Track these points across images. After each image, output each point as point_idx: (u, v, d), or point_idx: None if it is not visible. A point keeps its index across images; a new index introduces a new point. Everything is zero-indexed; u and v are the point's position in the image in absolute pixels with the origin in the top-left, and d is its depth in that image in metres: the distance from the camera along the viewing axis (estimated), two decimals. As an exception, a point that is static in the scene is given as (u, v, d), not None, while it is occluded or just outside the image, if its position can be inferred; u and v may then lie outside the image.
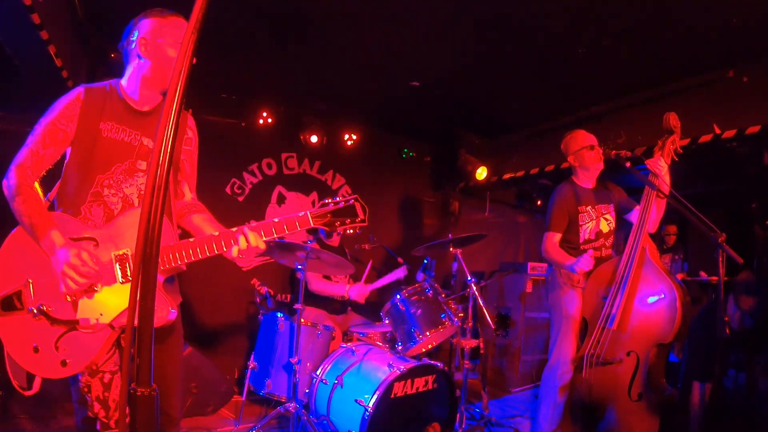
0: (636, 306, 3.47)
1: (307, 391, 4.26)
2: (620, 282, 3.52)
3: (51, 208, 2.34)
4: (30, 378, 2.20)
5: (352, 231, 2.42)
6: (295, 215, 2.34)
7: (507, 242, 8.82)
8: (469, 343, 4.61)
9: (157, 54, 2.33)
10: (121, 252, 2.17)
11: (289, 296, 6.23)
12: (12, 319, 2.10)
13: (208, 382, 4.82)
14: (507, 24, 4.21)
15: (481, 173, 7.08)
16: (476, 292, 4.45)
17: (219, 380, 4.94)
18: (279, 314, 4.59)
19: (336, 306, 5.35)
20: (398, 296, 4.27)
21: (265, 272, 6.24)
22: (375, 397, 3.57)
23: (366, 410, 3.54)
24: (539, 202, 8.81)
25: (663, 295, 3.38)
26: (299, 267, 4.15)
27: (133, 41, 2.38)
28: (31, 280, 2.13)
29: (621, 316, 3.46)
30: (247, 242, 2.24)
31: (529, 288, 6.64)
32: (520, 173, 6.86)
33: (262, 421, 4.20)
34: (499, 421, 5.08)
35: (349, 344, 4.32)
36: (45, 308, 2.10)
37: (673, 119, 3.65)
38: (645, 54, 4.50)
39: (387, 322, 4.39)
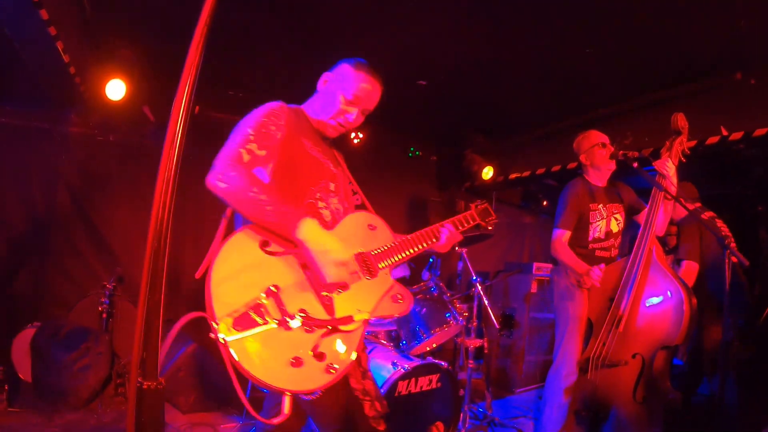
0: (642, 308, 3.45)
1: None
2: (627, 283, 3.51)
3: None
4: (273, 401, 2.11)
5: (491, 228, 3.03)
6: (464, 213, 2.90)
7: (512, 242, 8.81)
8: (473, 343, 4.62)
9: (327, 97, 2.51)
10: (357, 251, 2.25)
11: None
12: (253, 338, 1.84)
13: (212, 378, 4.83)
14: (515, 24, 4.20)
15: (487, 173, 7.08)
16: (481, 292, 4.45)
17: (223, 376, 4.94)
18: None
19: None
20: (403, 295, 4.27)
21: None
22: (379, 395, 3.57)
23: (370, 408, 3.54)
24: (545, 203, 8.80)
25: (670, 297, 3.36)
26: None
27: (323, 76, 2.58)
28: (276, 287, 1.95)
29: (627, 318, 3.45)
30: (450, 234, 2.66)
31: (534, 288, 6.63)
32: (526, 173, 6.85)
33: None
34: (503, 422, 5.07)
35: (353, 342, 4.31)
36: (305, 313, 1.97)
37: (681, 120, 3.63)
38: (652, 56, 4.49)
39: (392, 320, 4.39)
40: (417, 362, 3.83)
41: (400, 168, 7.55)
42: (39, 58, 4.21)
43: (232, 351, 1.80)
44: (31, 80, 4.69)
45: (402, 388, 3.72)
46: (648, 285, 3.48)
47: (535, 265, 6.70)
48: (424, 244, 2.49)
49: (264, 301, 1.90)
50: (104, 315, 4.90)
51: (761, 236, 7.79)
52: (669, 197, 3.51)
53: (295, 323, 1.93)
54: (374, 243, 2.33)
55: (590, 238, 4.00)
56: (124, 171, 5.74)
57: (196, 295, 5.35)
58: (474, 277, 4.49)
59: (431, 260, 4.87)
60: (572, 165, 5.99)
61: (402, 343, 4.25)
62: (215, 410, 4.88)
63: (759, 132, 4.46)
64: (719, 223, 4.49)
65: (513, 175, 7.04)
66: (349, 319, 2.05)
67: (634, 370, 3.41)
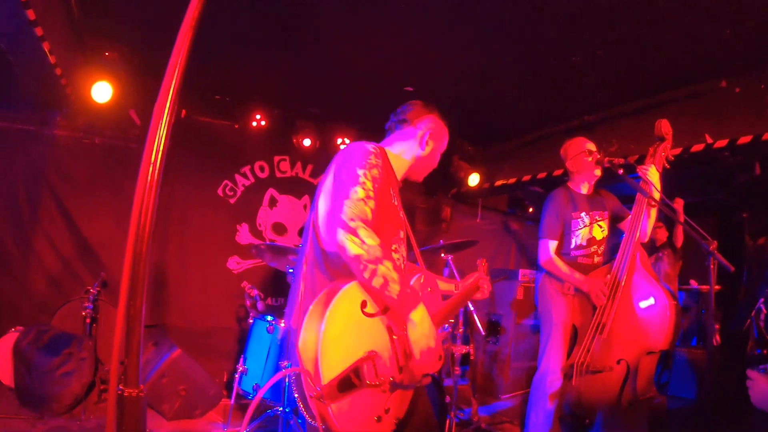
0: (627, 314, 3.47)
1: (296, 395, 4.24)
2: (611, 290, 3.52)
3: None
4: None
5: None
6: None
7: (498, 249, 8.82)
8: (459, 349, 4.61)
9: (430, 158, 2.63)
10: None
11: (279, 299, 6.21)
12: (351, 397, 1.91)
13: (196, 386, 4.80)
14: (501, 32, 4.22)
15: (474, 179, 7.10)
16: (467, 298, 4.44)
17: (208, 383, 4.92)
18: (269, 318, 4.57)
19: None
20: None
21: (256, 275, 6.23)
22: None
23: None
24: (531, 209, 8.84)
25: (654, 303, 3.38)
26: (291, 270, 4.14)
27: (417, 129, 2.62)
28: (374, 352, 2.01)
29: (611, 324, 3.47)
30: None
31: (520, 295, 6.64)
32: (511, 180, 6.88)
33: (251, 425, 4.18)
34: (489, 428, 5.07)
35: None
36: (392, 378, 2.05)
37: (665, 126, 3.65)
38: (638, 63, 4.52)
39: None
40: (403, 368, 3.81)
41: (386, 174, 7.53)
42: (25, 59, 4.18)
43: (333, 412, 1.86)
44: (16, 81, 4.65)
45: (388, 394, 3.71)
46: (632, 291, 3.50)
47: (521, 271, 6.72)
48: (458, 311, 2.66)
49: (364, 366, 1.96)
50: (88, 320, 4.85)
51: (746, 242, 7.87)
52: (653, 203, 3.53)
53: (384, 386, 2.02)
54: (430, 306, 2.30)
55: (572, 246, 4.02)
56: (110, 175, 5.70)
57: (179, 301, 5.31)
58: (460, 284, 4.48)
59: (418, 266, 4.87)
60: (558, 172, 6.02)
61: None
62: (199, 417, 4.84)
63: (743, 140, 4.50)
64: None
65: (499, 182, 7.06)
66: (414, 381, 2.19)
67: (619, 376, 3.42)
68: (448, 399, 4.16)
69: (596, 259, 4.04)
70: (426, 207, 7.97)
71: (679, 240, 7.12)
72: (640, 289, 3.47)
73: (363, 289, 2.05)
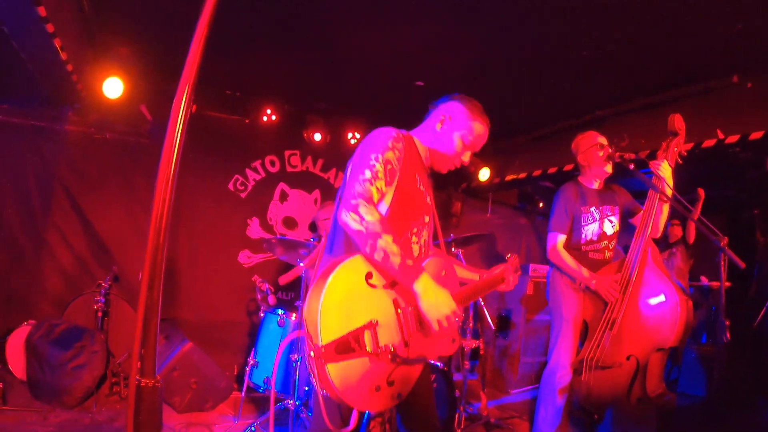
0: (637, 310, 3.46)
1: (306, 388, 4.27)
2: (622, 285, 3.51)
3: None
4: (347, 416, 2.22)
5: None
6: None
7: (508, 244, 8.81)
8: (469, 344, 4.62)
9: (446, 139, 2.59)
10: None
11: (290, 293, 6.23)
12: (349, 362, 2.01)
13: (207, 378, 4.83)
14: (511, 26, 4.21)
15: (484, 174, 7.09)
16: (477, 293, 4.44)
17: (219, 376, 4.94)
18: (280, 311, 4.59)
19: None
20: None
21: (267, 269, 6.25)
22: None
23: (365, 409, 3.54)
24: (541, 204, 8.81)
25: (664, 300, 3.37)
26: (301, 264, 4.15)
27: (438, 110, 2.67)
28: (376, 321, 2.09)
29: (622, 320, 3.46)
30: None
31: (530, 290, 6.63)
32: (522, 175, 6.86)
33: (261, 418, 4.20)
34: (498, 423, 5.07)
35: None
36: (393, 349, 2.11)
37: (678, 121, 3.62)
38: (649, 58, 4.49)
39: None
40: (413, 362, 3.83)
41: (396, 169, 7.53)
42: (36, 55, 4.19)
43: (329, 374, 1.94)
44: (28, 77, 4.67)
45: (397, 388, 3.72)
46: (643, 287, 3.49)
47: (531, 266, 6.71)
48: (477, 297, 2.72)
49: (364, 333, 2.05)
50: (99, 314, 4.89)
51: (757, 239, 7.82)
52: (665, 199, 3.51)
53: (384, 356, 2.08)
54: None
55: (582, 241, 4.00)
56: (121, 169, 5.73)
57: (190, 295, 5.34)
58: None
59: (427, 261, 4.87)
60: (569, 167, 6.00)
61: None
62: (210, 410, 4.87)
63: (755, 135, 4.46)
64: None
65: (509, 177, 7.04)
66: (421, 358, 2.27)
67: (629, 372, 3.42)
68: (457, 393, 4.16)
69: (607, 255, 4.02)
70: (437, 201, 7.94)
71: (692, 236, 7.09)
72: (651, 285, 3.46)
73: (368, 262, 2.14)
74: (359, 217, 2.11)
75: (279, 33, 4.59)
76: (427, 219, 2.58)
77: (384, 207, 2.32)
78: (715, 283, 7.21)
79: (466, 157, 2.63)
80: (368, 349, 2.04)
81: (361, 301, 2.10)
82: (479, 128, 2.61)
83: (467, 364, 4.59)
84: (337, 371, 1.96)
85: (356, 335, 2.01)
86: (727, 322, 6.13)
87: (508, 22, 4.14)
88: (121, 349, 5.10)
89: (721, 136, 4.67)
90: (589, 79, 5.02)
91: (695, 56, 4.43)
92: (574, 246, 4.01)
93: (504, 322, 6.75)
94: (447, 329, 2.22)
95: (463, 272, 2.87)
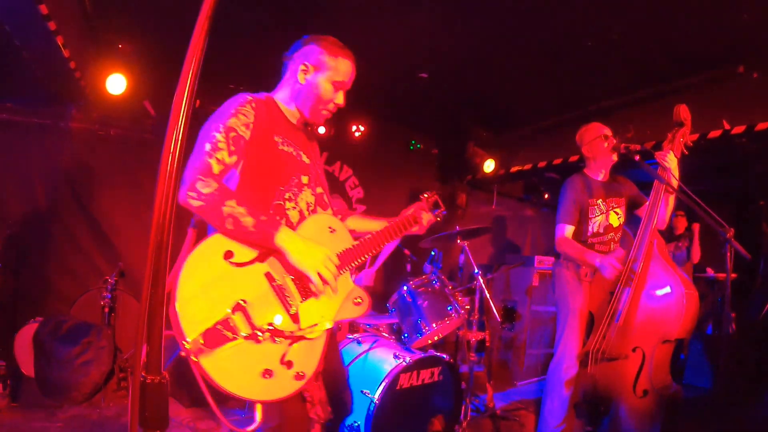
0: (643, 301, 3.45)
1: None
2: (627, 277, 3.50)
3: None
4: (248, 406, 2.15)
5: (440, 219, 3.00)
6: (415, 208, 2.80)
7: (513, 235, 8.81)
8: (475, 336, 4.62)
9: (313, 88, 2.42)
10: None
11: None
12: (224, 353, 1.87)
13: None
14: (516, 16, 4.19)
15: (489, 166, 7.08)
16: (483, 285, 4.44)
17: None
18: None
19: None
20: (405, 287, 4.26)
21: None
22: (381, 388, 3.57)
23: (372, 401, 3.55)
24: (546, 196, 8.80)
25: (670, 291, 3.36)
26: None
27: (295, 61, 2.46)
28: (244, 301, 1.95)
29: (627, 312, 3.45)
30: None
31: (535, 281, 6.63)
32: (527, 166, 6.85)
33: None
34: (504, 414, 5.08)
35: (355, 335, 4.32)
36: (273, 326, 1.98)
37: (683, 111, 3.59)
38: (655, 48, 4.47)
39: (393, 313, 4.39)
40: (419, 355, 3.83)
41: (401, 161, 7.55)
42: (39, 53, 4.20)
43: (205, 368, 1.83)
44: (31, 76, 4.68)
45: (404, 380, 3.73)
46: (649, 278, 3.47)
47: (537, 258, 6.70)
48: (381, 246, 2.46)
49: (233, 317, 1.91)
50: (106, 309, 4.90)
51: (763, 230, 7.80)
52: (670, 190, 3.50)
53: (264, 336, 1.95)
54: (335, 246, 2.30)
55: (589, 233, 4.00)
56: (125, 165, 5.74)
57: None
58: (476, 270, 4.48)
59: (433, 253, 4.87)
60: (574, 158, 5.99)
61: (404, 336, 4.25)
62: (218, 404, 4.87)
63: (761, 126, 4.45)
64: None
65: (515, 168, 7.04)
66: (314, 327, 2.11)
67: (635, 364, 3.41)
68: (463, 385, 4.16)
69: (613, 246, 4.02)
70: (441, 193, 7.94)
71: (696, 256, 7.12)
72: (657, 276, 3.45)
73: (227, 238, 2.02)
74: (197, 193, 1.98)
75: (281, 25, 4.58)
76: (305, 179, 2.42)
77: (235, 177, 2.21)
78: (721, 275, 7.20)
79: (340, 99, 2.48)
80: (243, 333, 1.91)
81: (224, 283, 1.95)
82: (344, 64, 2.45)
83: (473, 356, 4.59)
84: (213, 364, 1.84)
85: (225, 322, 1.88)
86: (733, 314, 6.12)
87: (512, 12, 4.12)
88: (128, 345, 5.13)
89: (727, 126, 4.65)
90: (594, 70, 5.00)
91: (701, 46, 4.41)
92: (581, 239, 4.01)
93: (509, 314, 6.75)
94: (338, 287, 2.14)
95: (367, 224, 2.74)
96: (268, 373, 1.93)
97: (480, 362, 6.17)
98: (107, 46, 4.86)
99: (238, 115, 2.20)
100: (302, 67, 2.41)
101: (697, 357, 6.41)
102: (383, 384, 3.59)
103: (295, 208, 2.33)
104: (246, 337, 1.91)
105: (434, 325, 4.12)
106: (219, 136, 2.11)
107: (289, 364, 1.99)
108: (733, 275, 3.09)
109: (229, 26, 4.41)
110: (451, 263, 7.48)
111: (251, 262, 2.04)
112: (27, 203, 5.38)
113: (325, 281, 2.09)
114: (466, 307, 4.31)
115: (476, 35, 4.55)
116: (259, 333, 1.94)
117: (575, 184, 4.06)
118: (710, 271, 7.40)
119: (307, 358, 2.07)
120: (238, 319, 1.92)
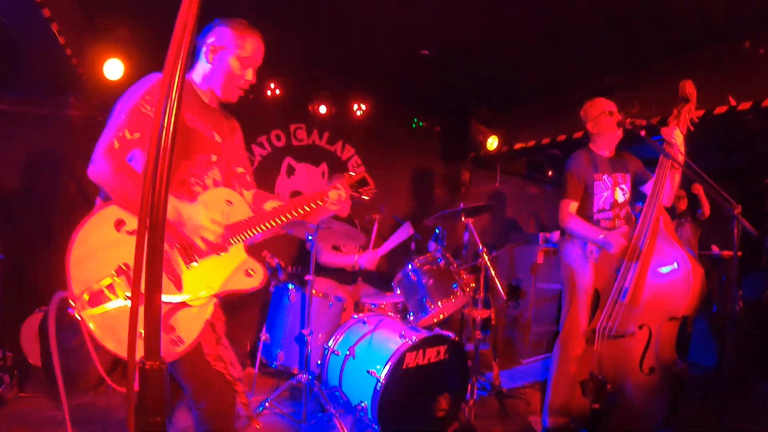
0: (649, 279, 3.43)
1: (319, 362, 4.29)
2: (633, 254, 3.48)
3: None
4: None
5: (367, 197, 2.84)
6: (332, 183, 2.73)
7: (518, 213, 8.78)
8: (480, 314, 4.61)
9: (221, 66, 2.49)
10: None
11: (299, 267, 6.23)
12: (107, 313, 2.04)
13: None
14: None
15: (492, 143, 7.04)
16: (488, 262, 4.43)
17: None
18: (290, 285, 4.60)
19: (346, 277, 5.35)
20: (410, 266, 4.25)
21: (276, 244, 6.23)
22: (387, 367, 3.58)
23: (378, 381, 3.56)
24: (550, 173, 8.76)
25: (677, 268, 3.33)
26: (310, 237, 4.14)
27: (205, 43, 2.50)
28: (126, 265, 2.08)
29: (634, 289, 3.43)
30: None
31: (540, 259, 6.62)
32: (531, 143, 6.79)
33: (274, 393, 4.22)
34: (510, 392, 5.09)
35: (360, 315, 4.33)
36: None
37: (689, 87, 3.55)
38: (659, 24, 4.42)
39: (398, 292, 4.38)
40: (425, 334, 3.83)
41: (403, 139, 7.51)
42: (34, 42, 4.16)
43: (89, 325, 2.04)
44: (28, 65, 4.65)
45: (410, 360, 3.73)
46: (655, 255, 3.45)
47: (542, 235, 6.68)
48: (279, 220, 2.51)
49: (116, 279, 2.06)
50: (111, 296, 4.91)
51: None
52: (676, 166, 3.46)
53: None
54: (229, 217, 2.37)
55: (595, 209, 3.97)
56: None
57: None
58: (480, 247, 4.46)
59: (437, 231, 4.86)
60: (578, 135, 5.94)
61: (409, 315, 4.24)
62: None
63: (767, 102, 4.40)
64: None
65: (518, 146, 6.98)
66: (196, 296, 2.20)
67: (641, 342, 3.40)
68: (469, 363, 4.17)
69: (617, 223, 3.98)
70: (444, 172, 7.93)
71: (707, 211, 7.03)
72: (663, 253, 3.42)
73: (120, 208, 2.16)
74: (97, 169, 2.13)
75: (281, 5, 4.53)
76: (214, 158, 2.52)
77: (139, 154, 2.27)
78: (726, 252, 7.17)
79: (249, 75, 2.54)
80: (124, 294, 2.04)
81: (112, 250, 2.10)
82: (251, 42, 2.53)
83: (479, 334, 4.58)
84: (96, 321, 2.03)
85: (109, 283, 2.04)
86: (740, 292, 6.10)
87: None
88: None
89: (733, 103, 4.60)
90: (599, 46, 4.94)
91: (706, 22, 4.34)
92: (587, 214, 3.97)
93: (514, 292, 6.75)
94: (228, 257, 2.25)
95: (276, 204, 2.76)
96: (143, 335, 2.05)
97: (485, 340, 6.18)
98: (104, 31, 4.82)
99: (145, 94, 2.28)
100: (212, 48, 2.49)
101: (701, 335, 6.41)
102: (389, 364, 3.60)
103: (199, 183, 2.41)
104: (127, 300, 2.05)
105: (439, 303, 4.12)
106: (123, 116, 2.21)
107: (169, 329, 2.10)
108: (739, 253, 3.06)
109: (230, 7, 4.35)
110: (456, 241, 7.46)
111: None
112: (30, 194, 5.38)
113: (208, 244, 2.18)
114: (471, 285, 4.31)
115: (478, 11, 4.49)
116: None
117: (580, 159, 4.02)
118: (715, 249, 7.37)
119: (189, 325, 2.17)
120: (121, 282, 2.06)
